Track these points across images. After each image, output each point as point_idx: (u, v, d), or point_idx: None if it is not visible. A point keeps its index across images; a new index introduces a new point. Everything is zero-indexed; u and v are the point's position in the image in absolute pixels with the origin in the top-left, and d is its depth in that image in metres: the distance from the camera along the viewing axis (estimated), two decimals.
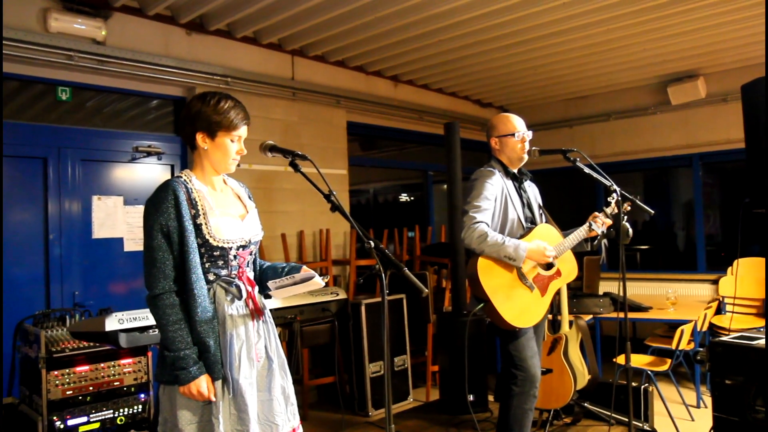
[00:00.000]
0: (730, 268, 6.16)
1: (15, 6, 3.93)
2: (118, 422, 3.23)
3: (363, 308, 4.94)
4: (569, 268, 3.31)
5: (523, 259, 3.00)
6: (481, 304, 3.04)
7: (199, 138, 2.09)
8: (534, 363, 3.15)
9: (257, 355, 2.10)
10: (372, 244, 1.87)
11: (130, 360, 3.29)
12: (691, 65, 6.26)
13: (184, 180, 2.08)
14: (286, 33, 5.08)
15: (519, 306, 3.06)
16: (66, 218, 4.24)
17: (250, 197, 2.31)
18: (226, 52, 5.05)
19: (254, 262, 2.26)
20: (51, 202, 4.18)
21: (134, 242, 4.54)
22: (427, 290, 1.87)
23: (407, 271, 1.85)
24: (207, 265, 2.05)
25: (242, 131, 2.15)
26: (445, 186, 5.07)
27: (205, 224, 2.03)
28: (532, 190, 3.43)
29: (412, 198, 8.20)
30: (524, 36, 5.18)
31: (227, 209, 2.14)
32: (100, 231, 4.40)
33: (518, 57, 5.78)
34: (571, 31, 5.07)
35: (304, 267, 2.17)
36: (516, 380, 3.11)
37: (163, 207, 1.99)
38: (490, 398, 4.64)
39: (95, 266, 4.35)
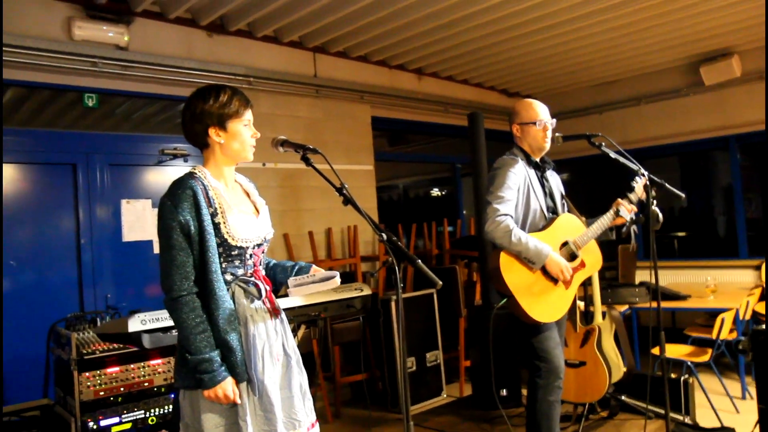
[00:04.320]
0: None
1: (40, 15, 4.01)
2: (150, 422, 3.25)
3: (393, 304, 4.91)
4: (594, 259, 3.22)
5: (543, 263, 2.94)
6: (504, 299, 2.98)
7: (213, 133, 2.06)
8: (557, 354, 3.08)
9: (277, 353, 2.08)
10: (384, 237, 1.83)
11: (159, 361, 3.32)
12: (725, 43, 6.04)
13: (200, 176, 2.04)
14: (306, 30, 5.07)
15: (543, 300, 2.99)
16: (96, 223, 4.31)
17: (258, 194, 2.28)
18: (248, 52, 5.07)
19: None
20: (81, 207, 4.25)
21: None
22: (440, 283, 1.82)
23: (420, 263, 1.81)
24: (224, 265, 2.01)
25: (249, 114, 2.12)
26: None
27: (224, 223, 1.98)
28: (554, 179, 3.34)
29: (442, 192, 8.14)
30: (549, 21, 5.06)
31: (242, 207, 2.11)
32: (129, 234, 4.46)
33: (543, 43, 5.66)
34: (597, 13, 4.93)
35: (314, 266, 2.13)
36: (540, 372, 3.05)
37: (182, 205, 1.93)
38: (524, 392, 4.55)
39: (126, 269, 4.41)
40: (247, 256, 2.06)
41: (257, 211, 2.18)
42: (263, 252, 2.17)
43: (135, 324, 2.58)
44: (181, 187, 1.98)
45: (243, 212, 2.08)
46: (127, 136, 4.57)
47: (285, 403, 2.06)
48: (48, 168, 4.18)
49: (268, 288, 2.11)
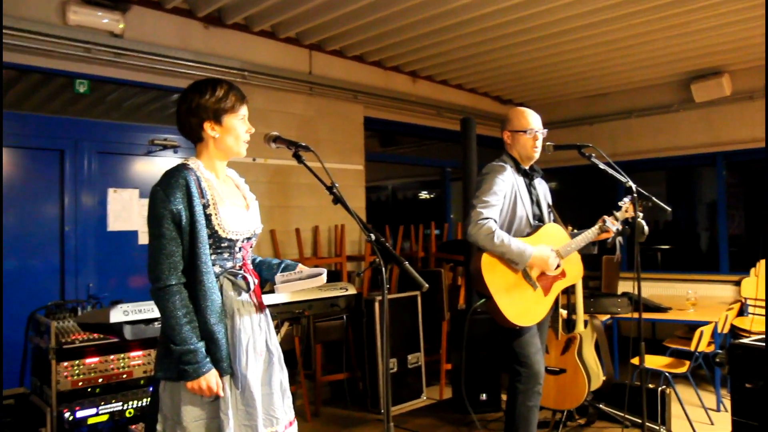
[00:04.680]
0: (753, 269, 6.02)
1: None
2: (127, 415, 3.23)
3: (376, 304, 4.91)
4: (575, 270, 3.26)
5: (526, 264, 2.98)
6: (483, 300, 3.01)
7: (208, 127, 2.05)
8: (537, 359, 3.11)
9: (260, 349, 2.08)
10: (372, 237, 1.84)
11: (140, 353, 3.30)
12: (716, 62, 6.11)
13: (193, 167, 2.03)
14: (303, 27, 5.06)
15: (521, 304, 3.02)
16: (82, 210, 4.27)
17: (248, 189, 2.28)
18: (244, 46, 5.05)
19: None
20: (67, 194, 4.21)
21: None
22: (427, 285, 1.83)
23: (407, 265, 1.82)
24: (213, 257, 2.00)
25: (245, 110, 2.12)
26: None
27: (215, 215, 1.98)
28: (542, 187, 3.37)
29: (431, 195, 8.15)
30: (545, 31, 5.10)
31: (234, 200, 2.12)
32: (115, 223, 4.43)
33: (538, 53, 5.70)
34: (592, 26, 4.98)
35: (300, 265, 2.14)
36: (520, 377, 3.09)
37: (174, 194, 1.92)
38: (503, 397, 4.58)
39: (110, 258, 4.37)
40: (237, 249, 2.06)
41: (248, 205, 2.18)
42: (252, 246, 2.17)
43: (117, 314, 2.56)
44: (174, 176, 1.97)
45: (234, 205, 2.09)
46: (118, 125, 4.53)
47: (265, 399, 2.06)
48: (35, 153, 4.13)
49: (256, 281, 2.11)
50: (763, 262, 5.74)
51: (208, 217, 1.97)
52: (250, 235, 2.11)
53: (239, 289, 2.04)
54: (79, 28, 4.11)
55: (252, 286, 2.06)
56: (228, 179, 2.20)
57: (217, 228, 1.98)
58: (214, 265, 2.00)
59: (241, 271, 2.07)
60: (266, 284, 2.24)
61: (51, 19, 4.03)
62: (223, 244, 2.02)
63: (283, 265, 2.22)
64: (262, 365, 2.08)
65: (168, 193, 1.93)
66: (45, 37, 3.96)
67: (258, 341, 2.06)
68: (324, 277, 2.05)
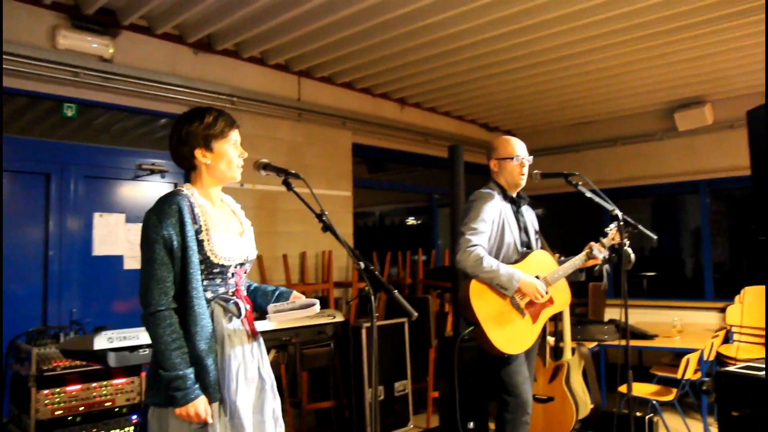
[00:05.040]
0: (737, 296, 6.05)
1: (25, 22, 3.97)
2: None
3: (363, 331, 4.87)
4: (563, 297, 3.26)
5: (515, 290, 2.98)
6: (471, 327, 3.00)
7: (199, 154, 2.07)
8: (526, 389, 3.09)
9: (252, 376, 2.06)
10: (362, 265, 1.83)
11: (123, 380, 3.25)
12: (698, 91, 6.24)
13: (187, 194, 2.05)
14: (293, 54, 5.10)
15: (509, 332, 3.01)
16: (66, 234, 4.22)
17: (244, 215, 2.28)
18: (233, 72, 5.07)
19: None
20: (52, 218, 4.17)
21: (134, 260, 4.51)
22: (416, 314, 1.83)
23: (397, 294, 1.82)
24: (205, 283, 2.00)
25: (236, 133, 2.13)
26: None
27: (207, 241, 1.99)
28: (529, 214, 3.39)
29: (418, 221, 8.16)
30: (531, 60, 5.18)
31: (228, 225, 2.12)
32: (100, 248, 4.38)
33: (525, 81, 5.78)
34: (577, 56, 5.06)
35: (295, 292, 2.13)
36: (508, 406, 3.07)
37: (167, 220, 1.94)
38: (491, 426, 4.54)
39: (94, 283, 4.32)
40: (229, 274, 2.06)
41: (242, 231, 2.18)
42: (245, 272, 2.16)
43: (101, 341, 2.52)
44: (168, 202, 1.98)
45: (227, 231, 2.09)
46: (105, 149, 4.51)
47: (257, 427, 2.04)
48: (20, 176, 4.09)
49: (248, 307, 2.10)
50: (747, 289, 5.78)
51: (200, 243, 1.98)
52: (243, 261, 2.11)
53: (230, 315, 2.03)
54: (69, 52, 4.11)
55: (243, 313, 2.06)
56: (224, 205, 2.21)
57: (209, 254, 1.99)
58: (206, 290, 2.01)
59: (233, 297, 2.07)
60: (260, 311, 2.22)
61: (41, 43, 4.03)
62: (215, 270, 2.02)
63: (277, 293, 2.21)
64: (254, 393, 2.06)
65: (160, 219, 1.94)
66: (34, 61, 3.95)
67: (249, 368, 2.04)
68: (317, 308, 2.04)
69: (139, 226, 4.59)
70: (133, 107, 4.62)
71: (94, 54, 4.24)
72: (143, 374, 3.30)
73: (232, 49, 5.03)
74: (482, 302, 2.98)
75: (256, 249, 2.22)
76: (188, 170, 2.14)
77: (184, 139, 2.07)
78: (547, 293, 3.15)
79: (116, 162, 4.54)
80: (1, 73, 3.41)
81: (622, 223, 3.20)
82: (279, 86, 5.41)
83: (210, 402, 1.93)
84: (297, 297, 2.12)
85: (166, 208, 1.97)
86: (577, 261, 3.22)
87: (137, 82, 4.45)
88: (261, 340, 2.18)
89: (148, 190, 4.70)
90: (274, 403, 2.12)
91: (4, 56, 3.80)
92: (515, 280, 2.95)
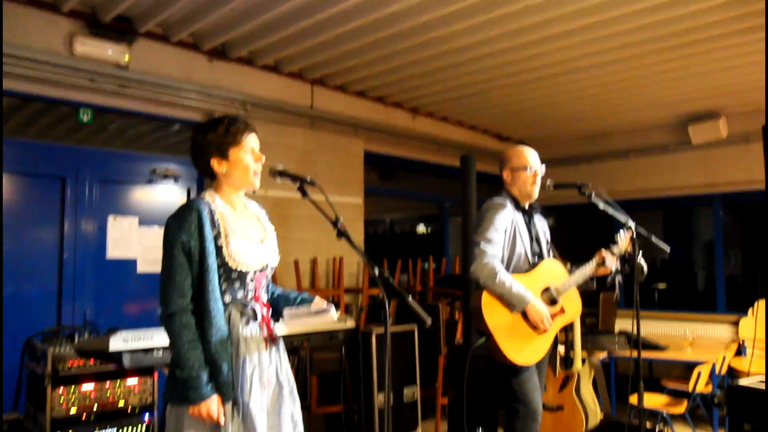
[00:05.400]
0: (751, 309, 6.01)
1: (42, 29, 4.03)
2: None
3: (373, 338, 4.88)
4: (574, 307, 3.26)
5: (522, 309, 2.99)
6: (483, 338, 3.01)
7: (215, 163, 2.12)
8: (536, 397, 3.09)
9: (268, 379, 2.09)
10: (377, 272, 1.85)
11: (135, 380, 3.28)
12: (713, 105, 6.22)
13: (208, 201, 2.10)
14: (306, 63, 5.14)
15: (521, 342, 3.02)
16: (81, 237, 4.28)
17: (268, 220, 2.32)
18: (247, 80, 5.12)
19: (267, 286, 2.26)
20: (67, 220, 4.23)
21: (147, 263, 4.56)
22: (430, 321, 1.84)
23: (411, 300, 1.83)
24: (224, 287, 2.05)
25: (251, 140, 2.17)
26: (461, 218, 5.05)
27: (226, 246, 2.03)
28: (541, 224, 3.39)
29: (429, 230, 8.17)
30: (544, 72, 5.19)
31: (248, 232, 2.15)
32: (114, 251, 4.43)
33: (538, 92, 5.79)
34: (591, 68, 5.07)
35: (317, 298, 2.15)
36: (518, 415, 3.06)
37: (186, 225, 1.99)
38: None
39: (108, 286, 4.37)
40: (248, 280, 2.10)
41: (264, 238, 2.21)
42: (267, 277, 2.19)
43: (117, 342, 2.56)
44: (188, 208, 2.04)
45: (248, 237, 2.12)
46: (119, 154, 4.57)
47: (273, 430, 2.07)
48: (36, 180, 4.16)
49: (265, 312, 2.13)
50: (761, 302, 5.74)
51: (218, 248, 2.03)
52: (262, 267, 2.14)
53: (247, 319, 2.06)
54: (85, 58, 4.16)
55: (260, 317, 2.09)
56: (248, 211, 2.26)
57: (227, 259, 2.03)
58: (224, 294, 2.05)
59: (251, 302, 2.10)
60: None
61: (58, 50, 4.09)
62: (233, 275, 2.06)
63: (300, 299, 2.24)
64: (271, 396, 2.10)
65: (180, 224, 2.00)
66: (51, 67, 4.02)
67: (265, 372, 2.08)
68: (334, 315, 2.07)
69: (152, 230, 4.71)
70: (148, 113, 4.68)
71: (110, 61, 4.29)
72: (156, 375, 3.33)
73: (247, 57, 5.08)
74: (494, 313, 2.98)
75: (277, 255, 2.25)
76: (210, 179, 2.19)
77: (200, 149, 2.14)
78: (557, 303, 3.15)
79: (130, 166, 4.60)
80: (1, 73, 3.44)
81: (635, 235, 3.19)
82: (292, 94, 5.45)
83: (223, 402, 1.97)
84: (319, 304, 2.13)
85: (186, 213, 2.02)
86: (587, 270, 3.21)
87: (152, 89, 4.51)
88: (281, 344, 2.22)
89: (161, 195, 4.75)
90: (292, 407, 2.16)
91: (21, 62, 3.86)
92: (524, 303, 2.97)
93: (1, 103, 3.84)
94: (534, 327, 3.04)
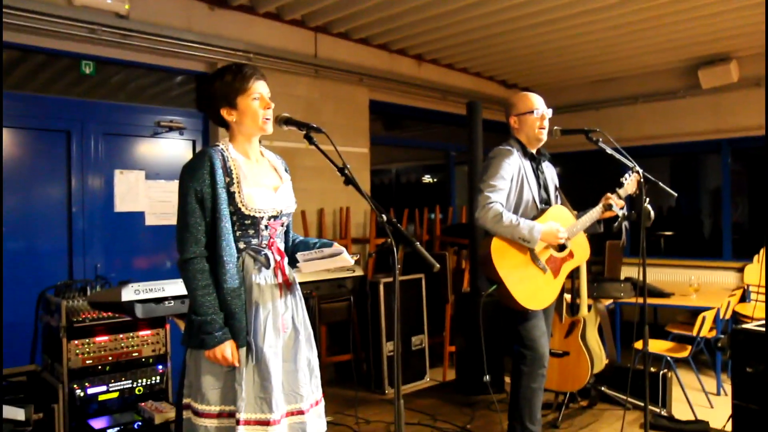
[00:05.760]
0: (756, 256, 6.03)
1: None
2: (137, 392, 3.28)
3: (381, 287, 4.94)
4: (582, 251, 3.28)
5: (537, 240, 2.97)
6: (494, 286, 3.02)
7: (225, 113, 2.12)
8: (543, 342, 3.14)
9: (284, 325, 2.12)
10: (384, 218, 1.86)
11: (148, 332, 3.34)
12: (724, 48, 6.08)
13: (222, 148, 2.11)
14: (309, 9, 5.04)
15: (531, 288, 3.04)
16: (88, 191, 4.29)
17: (286, 170, 2.32)
18: (249, 28, 5.03)
19: (287, 234, 2.29)
20: (74, 175, 4.23)
21: (155, 216, 4.58)
22: (438, 266, 1.85)
23: (419, 245, 1.84)
24: (238, 234, 2.08)
25: (259, 86, 2.13)
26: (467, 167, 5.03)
27: (238, 192, 2.05)
28: (549, 171, 3.38)
29: (435, 179, 8.14)
30: (550, 15, 5.07)
31: (261, 179, 2.16)
32: (122, 205, 4.45)
33: (544, 37, 5.67)
34: (598, 11, 4.95)
35: (336, 244, 2.16)
36: (525, 359, 3.11)
37: (198, 173, 2.01)
38: (506, 379, 4.62)
39: (117, 239, 4.40)
40: (262, 226, 2.11)
41: (277, 186, 2.20)
42: (282, 225, 2.21)
43: (128, 293, 2.59)
44: (201, 156, 2.06)
45: (260, 185, 2.13)
46: (123, 106, 4.53)
47: (290, 376, 2.12)
48: (41, 134, 4.14)
49: (279, 259, 2.15)
50: (766, 248, 5.75)
51: (231, 195, 2.05)
52: (276, 214, 2.14)
53: (260, 266, 2.09)
54: (85, 8, 4.08)
55: (272, 263, 2.11)
56: (263, 160, 2.25)
57: (240, 205, 2.05)
58: (239, 241, 2.08)
59: (265, 249, 2.12)
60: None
61: (56, 0, 4.01)
62: (246, 221, 2.08)
63: (319, 244, 2.23)
64: (288, 342, 2.13)
65: (193, 172, 2.03)
66: (50, 18, 3.94)
67: (280, 317, 2.11)
68: (347, 257, 2.06)
69: (158, 183, 4.71)
70: (150, 64, 4.62)
71: (110, 10, 4.21)
72: (168, 326, 3.39)
73: (248, 5, 4.97)
74: (503, 259, 3.00)
75: (293, 203, 2.24)
76: (223, 127, 2.19)
77: (208, 100, 2.13)
78: (566, 248, 3.16)
79: (135, 119, 4.57)
80: (1, 24, 3.37)
81: (642, 179, 3.18)
82: (295, 42, 5.37)
83: (238, 347, 2.02)
84: (338, 247, 2.12)
85: (198, 162, 2.04)
86: (594, 213, 3.22)
87: (153, 39, 4.43)
88: (298, 291, 2.24)
89: (166, 148, 4.73)
90: (309, 353, 2.20)
91: (20, 13, 3.79)
92: (536, 231, 2.95)
93: (2, 56, 3.80)
94: (544, 269, 3.06)
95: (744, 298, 5.75)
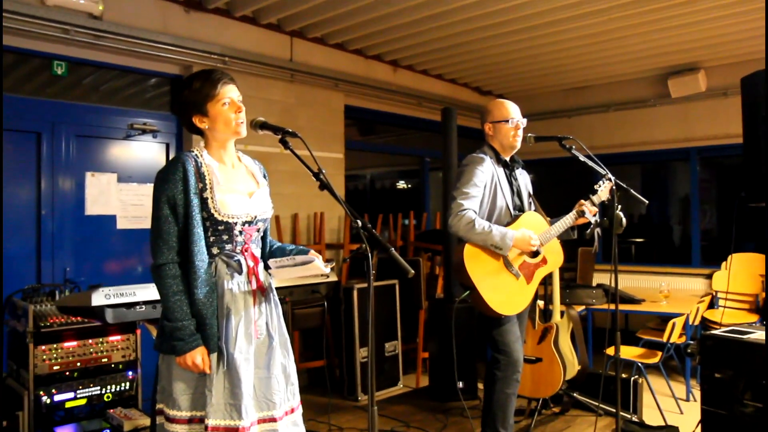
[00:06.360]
0: (724, 263, 6.16)
1: None
2: (105, 399, 3.22)
3: (355, 292, 4.93)
4: (555, 257, 3.31)
5: (509, 247, 3.00)
6: (467, 292, 3.04)
7: (197, 121, 2.13)
8: (517, 348, 3.16)
9: (257, 331, 2.11)
10: (359, 223, 1.86)
11: (118, 337, 3.29)
12: (692, 58, 6.23)
13: (195, 154, 2.11)
14: (285, 13, 5.03)
15: (505, 293, 3.06)
16: (59, 194, 4.21)
17: (265, 176, 2.31)
18: (225, 31, 5.00)
19: (264, 240, 2.28)
20: (44, 177, 4.15)
21: (127, 220, 4.52)
22: (413, 272, 1.86)
23: (394, 251, 1.85)
24: (212, 239, 2.08)
25: (227, 90, 2.13)
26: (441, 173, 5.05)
27: (211, 198, 2.05)
28: (523, 177, 3.42)
29: (409, 185, 8.17)
30: (525, 23, 5.13)
31: (236, 185, 2.15)
32: (93, 207, 4.38)
33: (518, 45, 5.73)
34: (571, 19, 5.02)
35: (312, 251, 2.15)
36: (499, 365, 3.13)
37: (171, 179, 2.01)
38: (480, 386, 4.64)
39: (87, 243, 4.32)
40: (236, 232, 2.11)
41: (252, 192, 2.19)
42: (258, 230, 2.20)
43: (99, 298, 2.54)
44: (174, 162, 2.06)
45: (234, 191, 2.12)
46: (96, 108, 4.46)
47: (262, 383, 2.10)
48: (11, 135, 4.04)
49: (252, 265, 2.13)
50: (734, 256, 5.88)
51: (204, 201, 2.05)
52: (250, 220, 2.13)
53: (233, 271, 2.07)
54: (58, 8, 4.02)
55: (245, 269, 2.10)
56: (240, 165, 2.24)
57: (213, 211, 2.05)
58: (212, 246, 2.08)
59: (238, 254, 2.11)
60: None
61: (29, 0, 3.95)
62: (219, 227, 2.08)
63: (295, 251, 2.24)
64: (260, 348, 2.12)
65: (165, 178, 2.03)
66: (22, 17, 3.86)
67: (252, 324, 2.09)
68: (320, 264, 2.07)
69: (131, 187, 4.63)
70: (124, 66, 4.57)
71: (83, 11, 4.16)
72: (138, 332, 3.34)
73: (224, 8, 4.94)
74: (477, 265, 3.02)
75: (269, 209, 2.23)
76: (199, 135, 2.19)
77: (181, 109, 2.15)
78: (539, 254, 3.19)
79: (108, 121, 4.50)
80: (1, 25, 3.32)
81: (613, 186, 3.23)
82: (271, 46, 5.34)
83: (209, 353, 2.01)
84: (314, 255, 2.13)
85: (171, 167, 2.04)
86: (568, 219, 3.26)
87: (127, 40, 4.38)
88: (273, 298, 2.23)
89: (139, 150, 4.67)
90: (285, 360, 2.18)
91: None
92: (508, 238, 2.98)
93: (1, 56, 3.71)
94: (517, 275, 3.08)
95: (712, 305, 5.86)
